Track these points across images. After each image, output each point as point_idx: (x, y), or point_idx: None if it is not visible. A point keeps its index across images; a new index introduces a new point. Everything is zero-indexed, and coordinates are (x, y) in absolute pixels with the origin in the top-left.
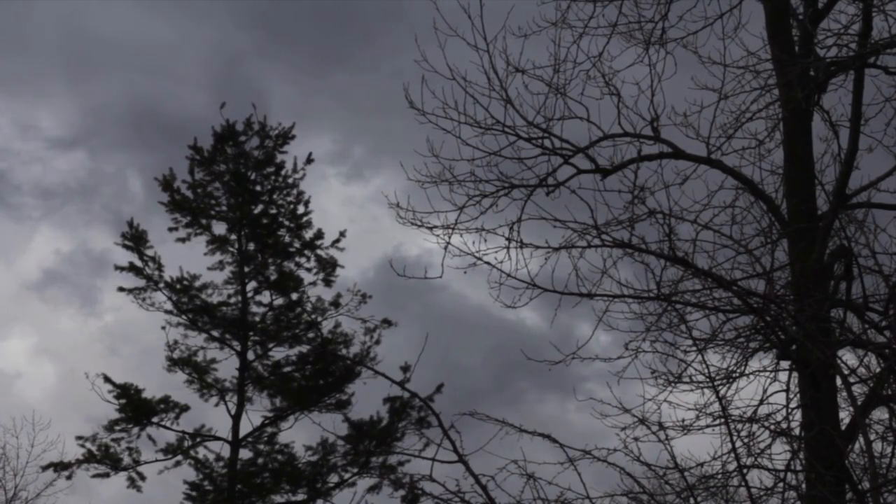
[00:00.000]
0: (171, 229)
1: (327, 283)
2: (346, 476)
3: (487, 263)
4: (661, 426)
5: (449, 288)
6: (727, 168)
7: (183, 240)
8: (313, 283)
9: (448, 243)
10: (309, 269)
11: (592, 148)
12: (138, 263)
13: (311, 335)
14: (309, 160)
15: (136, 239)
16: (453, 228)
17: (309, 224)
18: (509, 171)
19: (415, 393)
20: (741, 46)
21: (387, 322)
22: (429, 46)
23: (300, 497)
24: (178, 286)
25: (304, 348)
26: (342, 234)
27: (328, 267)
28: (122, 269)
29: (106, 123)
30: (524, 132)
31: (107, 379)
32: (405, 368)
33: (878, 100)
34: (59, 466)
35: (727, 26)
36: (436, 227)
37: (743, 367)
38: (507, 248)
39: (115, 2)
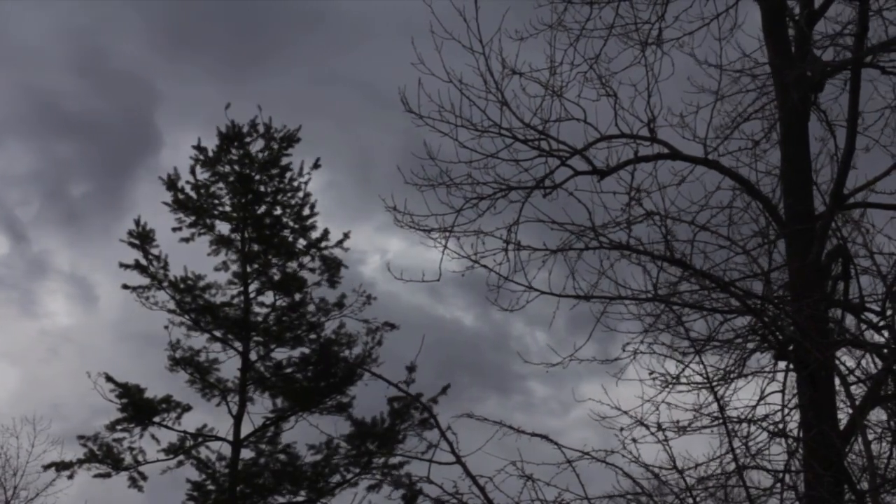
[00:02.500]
0: (174, 229)
1: (332, 283)
2: (349, 476)
3: (484, 267)
4: (660, 427)
5: (378, 286)
6: (724, 169)
7: (187, 239)
8: (318, 284)
9: (445, 246)
10: (312, 270)
11: (589, 149)
12: (143, 262)
13: (312, 336)
14: (316, 165)
15: (142, 237)
16: (450, 231)
17: (314, 226)
18: (506, 173)
19: (412, 395)
20: (737, 48)
21: (389, 325)
22: (425, 50)
23: (301, 497)
24: (181, 286)
25: (307, 349)
26: (346, 235)
27: (332, 267)
28: (126, 266)
29: (11, 122)
30: (521, 134)
31: (109, 378)
32: (411, 368)
33: (875, 98)
34: (61, 466)
35: (723, 27)
36: (433, 230)
37: (741, 368)
38: (506, 250)
39: (23, 2)
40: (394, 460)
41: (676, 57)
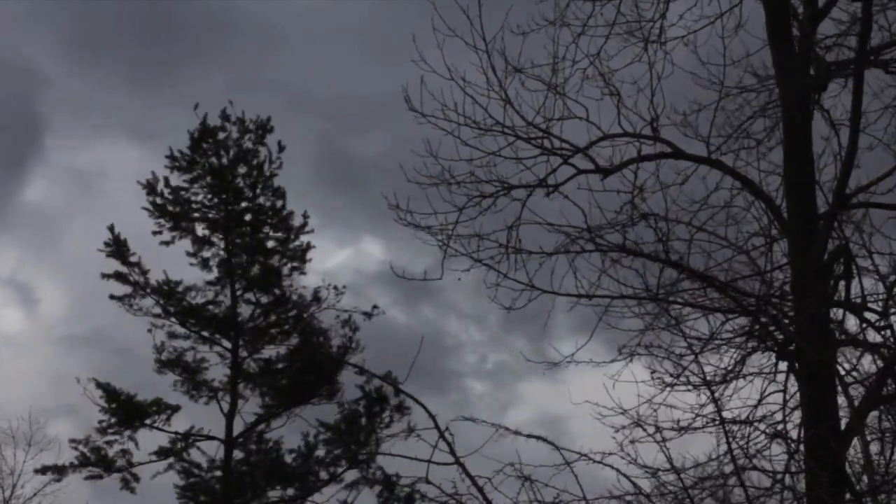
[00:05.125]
0: (154, 233)
1: (300, 269)
2: (339, 472)
3: (486, 265)
4: (658, 428)
5: (309, 285)
6: (727, 168)
7: (167, 243)
8: (289, 274)
9: (447, 245)
10: (286, 263)
11: (592, 148)
12: (123, 270)
13: (297, 333)
14: (281, 148)
15: (117, 246)
16: (452, 230)
17: (290, 216)
18: (508, 171)
19: (409, 394)
20: (741, 46)
21: (375, 308)
22: (427, 47)
23: (291, 494)
24: (164, 289)
25: (292, 345)
26: (305, 216)
27: (299, 253)
28: (107, 276)
29: None
30: (523, 132)
31: (98, 384)
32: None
33: (879, 98)
34: (53, 469)
35: (727, 25)
36: (433, 227)
37: (741, 368)
38: (506, 252)
39: None
40: (379, 458)
41: (679, 55)
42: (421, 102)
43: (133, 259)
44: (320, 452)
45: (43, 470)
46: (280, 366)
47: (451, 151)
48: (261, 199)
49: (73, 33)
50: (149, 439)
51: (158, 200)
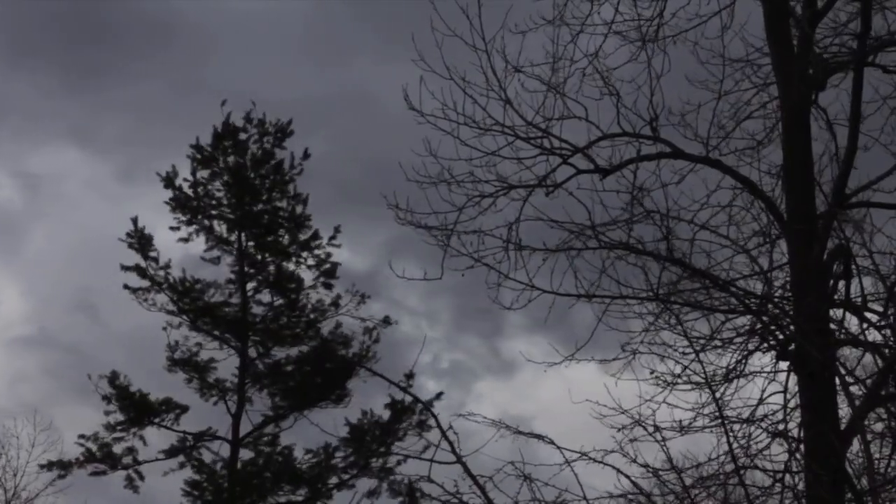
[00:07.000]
0: (172, 228)
1: (327, 286)
2: (346, 478)
3: (485, 265)
4: (658, 427)
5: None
6: (726, 168)
7: (185, 240)
8: (313, 287)
9: (447, 244)
10: (309, 267)
11: (592, 148)
12: (142, 264)
13: (310, 334)
14: (305, 155)
15: (140, 239)
16: (452, 230)
17: (308, 219)
18: (508, 171)
19: (415, 395)
20: (740, 44)
21: (387, 321)
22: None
23: (300, 497)
24: (180, 288)
25: (305, 347)
26: (337, 229)
27: (328, 271)
28: (127, 268)
29: None
30: (523, 132)
31: (111, 381)
32: (409, 375)
33: (878, 98)
34: (58, 465)
35: (725, 24)
36: (434, 228)
37: (743, 367)
38: (506, 249)
39: None
40: (391, 463)
41: (679, 54)
42: (420, 102)
43: (153, 254)
44: (339, 457)
45: (49, 466)
46: (290, 368)
47: (450, 151)
48: (277, 202)
49: (4, 36)
50: (153, 438)
51: (178, 194)
